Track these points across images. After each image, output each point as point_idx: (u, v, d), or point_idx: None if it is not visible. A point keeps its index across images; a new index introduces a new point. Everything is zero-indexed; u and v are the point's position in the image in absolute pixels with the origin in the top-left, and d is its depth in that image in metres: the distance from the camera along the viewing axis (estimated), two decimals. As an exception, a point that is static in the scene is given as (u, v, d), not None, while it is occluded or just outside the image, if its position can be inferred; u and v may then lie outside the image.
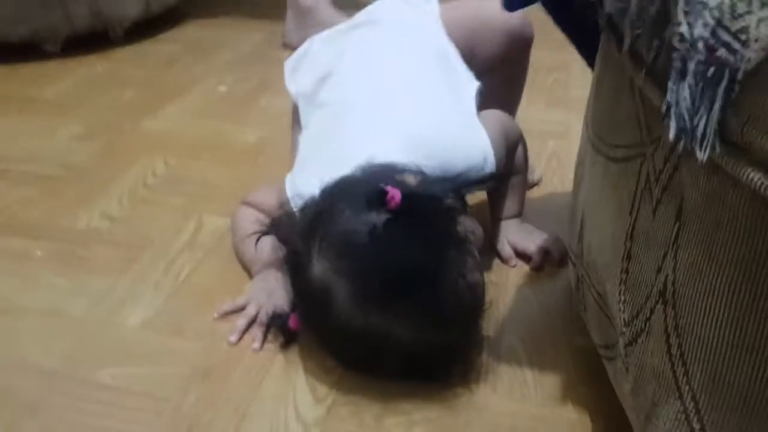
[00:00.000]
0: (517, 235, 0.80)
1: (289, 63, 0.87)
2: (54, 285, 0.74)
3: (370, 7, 0.89)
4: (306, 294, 0.60)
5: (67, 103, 1.20)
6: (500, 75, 0.79)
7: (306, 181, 0.66)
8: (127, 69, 1.37)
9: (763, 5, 0.29)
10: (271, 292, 0.67)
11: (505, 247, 0.79)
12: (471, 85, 0.79)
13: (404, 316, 0.55)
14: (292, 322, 0.63)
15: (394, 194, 0.56)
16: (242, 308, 0.68)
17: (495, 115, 0.77)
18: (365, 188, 0.58)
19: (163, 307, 0.70)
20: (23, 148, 1.04)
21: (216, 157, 1.01)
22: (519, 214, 0.82)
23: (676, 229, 0.38)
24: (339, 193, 0.60)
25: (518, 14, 0.85)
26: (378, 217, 0.56)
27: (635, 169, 0.46)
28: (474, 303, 0.60)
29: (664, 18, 0.38)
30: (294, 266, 0.61)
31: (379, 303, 0.55)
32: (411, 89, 0.76)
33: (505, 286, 0.74)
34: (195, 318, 0.69)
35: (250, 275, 0.73)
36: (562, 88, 1.29)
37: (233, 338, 0.66)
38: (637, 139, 0.47)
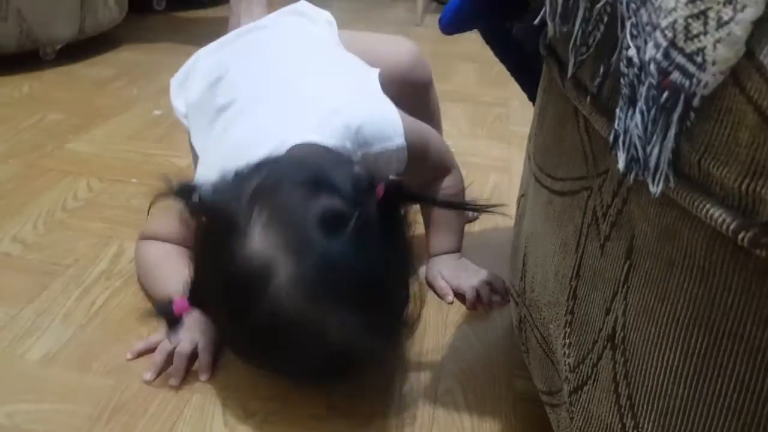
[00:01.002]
0: (453, 272, 0.76)
1: (176, 79, 0.82)
2: (-51, 316, 0.66)
3: (260, 20, 0.88)
4: (235, 269, 0.51)
5: (-14, 122, 1.12)
6: (406, 112, 0.76)
7: (204, 172, 0.61)
8: (55, 90, 1.29)
9: (720, 24, 0.27)
10: (193, 326, 0.62)
11: (440, 282, 0.76)
12: (372, 70, 0.75)
13: (345, 310, 0.50)
14: (177, 306, 0.55)
15: (380, 188, 0.53)
16: (156, 346, 0.62)
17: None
18: (314, 171, 0.55)
19: (72, 340, 0.64)
20: (-69, 169, 0.96)
21: (144, 181, 0.95)
22: (457, 250, 0.79)
23: (626, 267, 0.36)
24: (287, 171, 0.56)
25: (408, 57, 0.85)
26: (335, 203, 0.52)
27: (581, 203, 0.43)
28: (407, 314, 0.58)
29: (611, 41, 0.36)
30: (223, 236, 0.52)
31: (324, 289, 0.50)
32: (312, 73, 0.74)
33: (444, 324, 0.71)
34: (106, 352, 0.63)
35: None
36: (503, 123, 1.29)
37: (148, 376, 0.60)
38: (583, 171, 0.44)
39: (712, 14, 0.27)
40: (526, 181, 0.61)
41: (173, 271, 0.62)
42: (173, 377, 0.59)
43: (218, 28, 1.42)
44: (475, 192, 0.93)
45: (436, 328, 0.70)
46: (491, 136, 1.23)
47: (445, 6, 0.50)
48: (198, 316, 0.60)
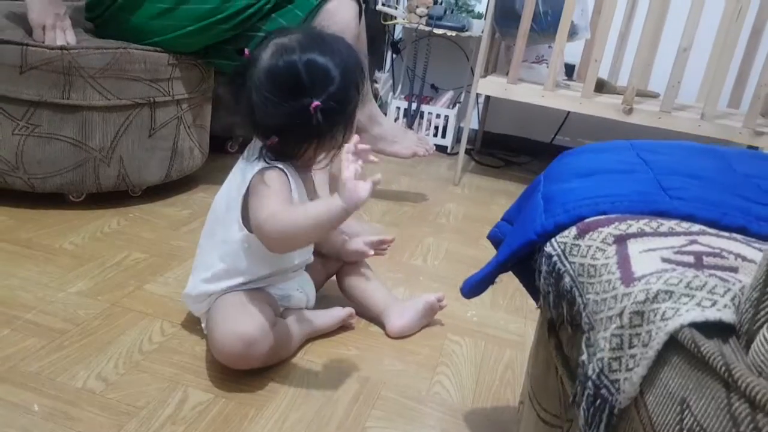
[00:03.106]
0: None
1: None
2: (46, 445, 0.82)
3: None
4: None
5: (82, 255, 1.33)
6: None
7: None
8: (138, 229, 1.51)
9: (627, 369, 0.43)
10: None
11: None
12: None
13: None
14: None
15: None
16: None
17: None
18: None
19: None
20: (36, 298, 1.14)
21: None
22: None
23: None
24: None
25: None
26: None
27: (555, 439, 0.58)
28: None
29: (579, 325, 0.52)
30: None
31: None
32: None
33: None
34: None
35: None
36: (523, 296, 1.42)
37: None
38: (558, 411, 0.59)
39: (623, 361, 0.43)
40: (524, 391, 0.76)
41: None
42: None
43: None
44: (489, 368, 1.07)
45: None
46: (510, 309, 1.37)
47: (465, 281, 0.67)
48: None
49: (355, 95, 1.00)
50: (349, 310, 1.18)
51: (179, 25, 1.53)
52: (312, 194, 1.09)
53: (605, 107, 2.11)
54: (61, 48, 1.41)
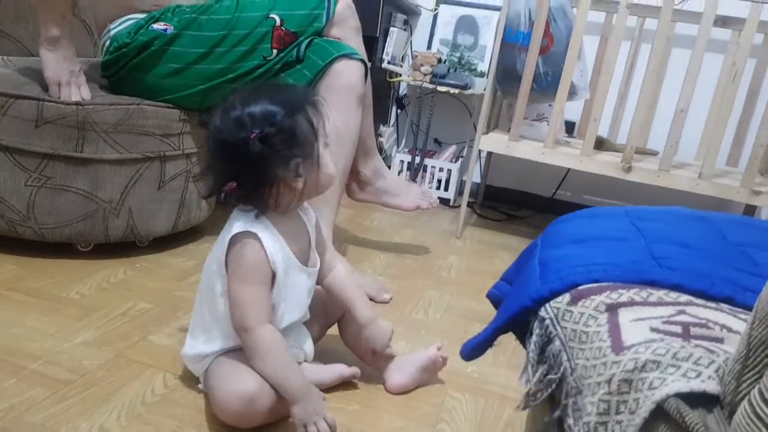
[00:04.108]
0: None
1: None
2: (47, 498, 0.82)
3: None
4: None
5: (88, 306, 1.35)
6: None
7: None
8: (144, 279, 1.53)
9: (616, 436, 0.45)
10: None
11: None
12: None
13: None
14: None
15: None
16: None
17: None
18: None
19: None
20: (42, 348, 1.16)
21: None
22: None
23: None
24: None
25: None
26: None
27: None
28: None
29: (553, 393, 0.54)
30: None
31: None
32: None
33: None
34: None
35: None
36: (524, 352, 1.43)
37: None
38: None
39: (609, 426, 0.45)
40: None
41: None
42: None
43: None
44: (489, 426, 1.07)
45: None
46: (510, 366, 1.38)
47: (464, 343, 0.70)
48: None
49: (305, 124, 0.98)
50: (354, 369, 1.18)
51: (191, 84, 1.59)
52: (304, 236, 1.09)
53: (605, 165, 2.16)
54: (77, 104, 1.46)
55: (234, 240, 0.99)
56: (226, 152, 0.97)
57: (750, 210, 2.52)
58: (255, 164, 0.96)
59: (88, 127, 1.48)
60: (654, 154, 2.42)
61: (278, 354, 0.99)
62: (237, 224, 1.00)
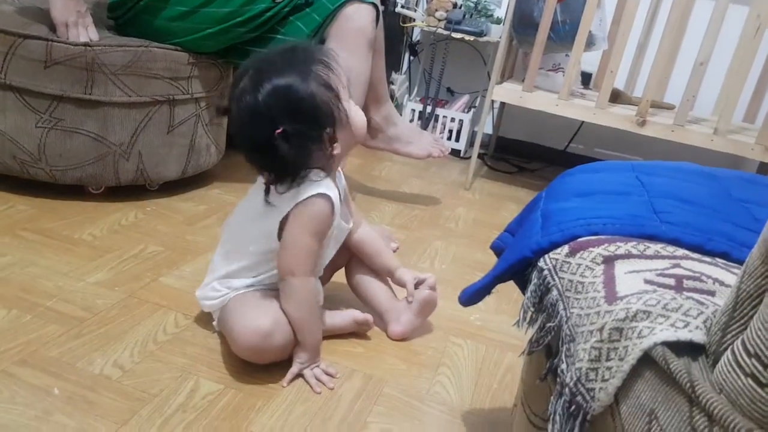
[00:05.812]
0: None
1: None
2: (63, 426, 0.86)
3: None
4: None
5: (100, 247, 1.38)
6: None
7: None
8: (155, 222, 1.56)
9: (603, 380, 0.46)
10: None
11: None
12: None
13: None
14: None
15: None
16: None
17: None
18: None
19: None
20: (56, 287, 1.20)
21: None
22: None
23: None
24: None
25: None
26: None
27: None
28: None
29: (556, 346, 0.56)
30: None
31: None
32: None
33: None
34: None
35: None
36: (528, 306, 1.46)
37: None
38: (545, 414, 0.62)
39: (600, 372, 0.47)
40: (517, 396, 0.79)
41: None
42: None
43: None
44: (489, 370, 1.10)
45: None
46: (513, 314, 1.40)
47: (463, 290, 0.71)
48: None
49: (323, 93, 1.01)
50: (367, 316, 1.20)
51: (199, 27, 1.58)
52: (346, 203, 1.17)
53: (619, 118, 2.13)
54: (85, 45, 1.46)
55: (311, 199, 1.03)
56: (256, 149, 1.01)
57: (764, 168, 2.49)
58: (287, 156, 0.98)
59: (97, 69, 1.47)
60: (670, 108, 2.38)
61: (313, 306, 1.07)
62: (312, 186, 1.04)
